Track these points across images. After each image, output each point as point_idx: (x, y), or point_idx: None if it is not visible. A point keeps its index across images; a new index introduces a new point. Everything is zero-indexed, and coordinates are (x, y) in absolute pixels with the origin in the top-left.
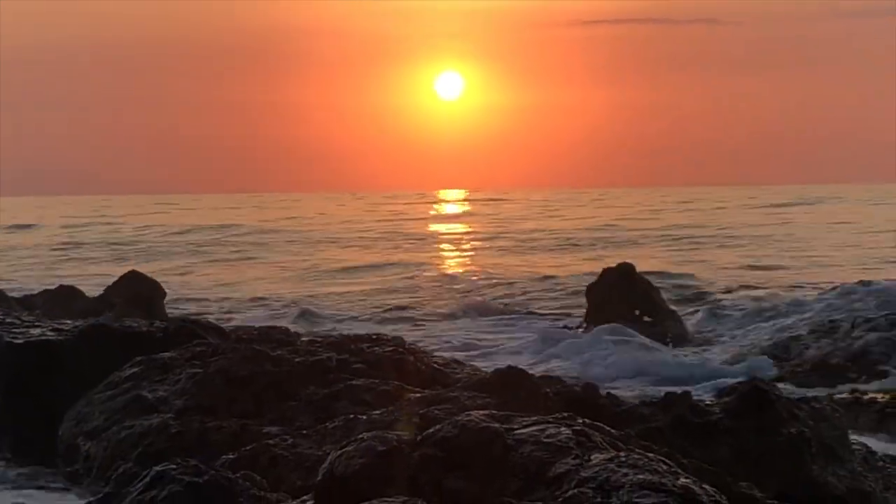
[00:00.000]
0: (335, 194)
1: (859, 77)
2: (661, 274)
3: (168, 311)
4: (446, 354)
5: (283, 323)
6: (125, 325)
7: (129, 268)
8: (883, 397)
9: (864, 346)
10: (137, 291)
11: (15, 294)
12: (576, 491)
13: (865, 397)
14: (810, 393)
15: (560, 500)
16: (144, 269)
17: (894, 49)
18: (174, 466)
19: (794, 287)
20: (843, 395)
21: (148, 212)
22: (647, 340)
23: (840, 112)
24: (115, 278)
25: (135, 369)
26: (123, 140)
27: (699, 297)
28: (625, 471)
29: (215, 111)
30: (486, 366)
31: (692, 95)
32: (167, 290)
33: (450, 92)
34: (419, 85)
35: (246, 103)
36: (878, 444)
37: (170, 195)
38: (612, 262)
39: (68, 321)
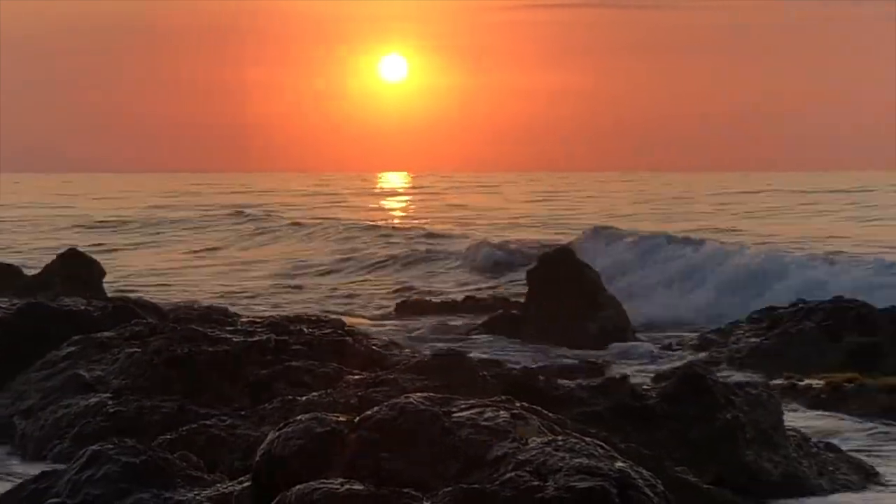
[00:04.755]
0: (289, 174)
1: (809, 62)
2: None
3: None
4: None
5: None
6: (63, 304)
7: None
8: (818, 384)
9: (801, 333)
10: (76, 270)
11: None
12: (513, 474)
13: (801, 384)
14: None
15: (497, 482)
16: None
17: (846, 35)
18: (111, 446)
19: None
20: (779, 382)
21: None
22: None
23: (787, 98)
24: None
25: (72, 348)
26: (78, 120)
27: None
28: (561, 454)
29: (158, 90)
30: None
31: (640, 80)
32: None
33: (394, 74)
34: (364, 67)
35: (191, 83)
36: (812, 431)
37: (122, 174)
38: None
39: (5, 299)
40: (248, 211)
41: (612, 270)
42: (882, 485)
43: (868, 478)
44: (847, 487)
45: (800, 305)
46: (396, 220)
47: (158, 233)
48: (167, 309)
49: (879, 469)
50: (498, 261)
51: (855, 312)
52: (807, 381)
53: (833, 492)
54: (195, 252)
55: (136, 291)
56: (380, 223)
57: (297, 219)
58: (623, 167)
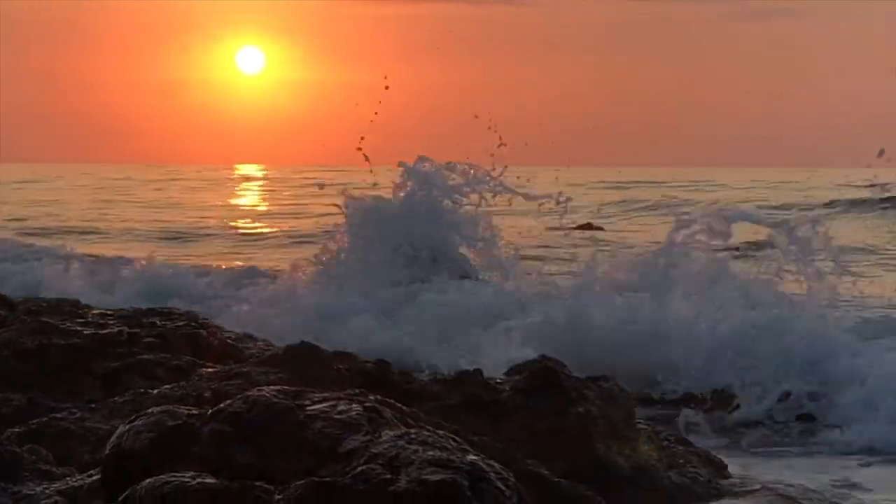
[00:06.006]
0: (140, 166)
1: (657, 61)
2: None
3: None
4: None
5: None
6: None
7: None
8: None
9: None
10: None
11: None
12: (365, 467)
13: None
14: None
15: (350, 476)
16: None
17: (696, 34)
18: None
19: None
20: None
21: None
22: None
23: (634, 97)
24: None
25: None
26: None
27: None
28: (414, 447)
29: (10, 79)
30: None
31: (493, 77)
32: None
33: (251, 67)
34: (220, 59)
35: (43, 72)
36: (662, 424)
37: None
38: None
39: None
40: None
41: None
42: (731, 479)
43: (718, 472)
44: (696, 481)
45: None
46: None
47: None
48: (17, 300)
49: (728, 461)
50: None
51: None
52: None
53: (682, 485)
54: None
55: None
56: None
57: None
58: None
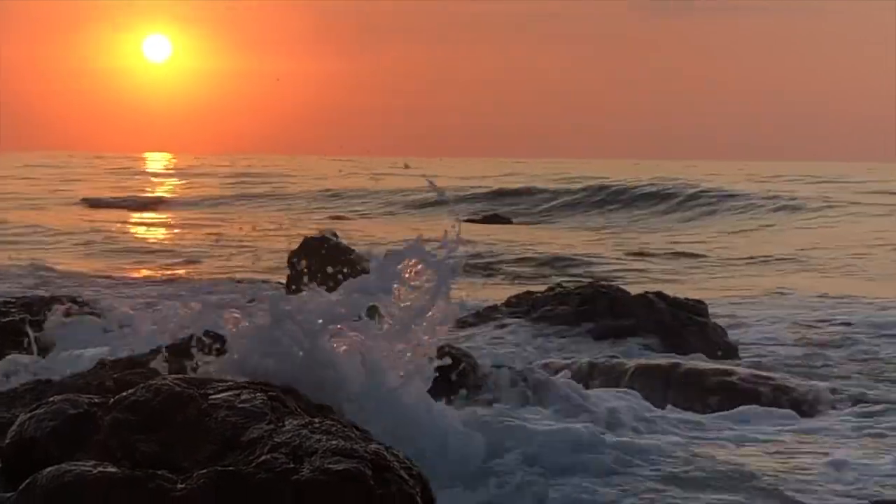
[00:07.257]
0: (50, 153)
1: (559, 49)
2: None
3: None
4: None
5: None
6: None
7: None
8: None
9: (558, 316)
10: None
11: None
12: (268, 456)
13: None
14: None
15: (253, 464)
16: None
17: (597, 23)
18: None
19: None
20: (539, 363)
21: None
22: None
23: (546, 86)
24: None
25: None
26: None
27: None
28: (318, 437)
29: None
30: None
31: (407, 66)
32: None
33: (158, 55)
34: (126, 46)
35: None
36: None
37: None
38: None
39: None
40: None
41: None
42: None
43: None
44: None
45: (557, 290)
46: None
47: None
48: None
49: None
50: None
51: (609, 296)
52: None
53: None
54: None
55: None
56: None
57: None
58: (390, 153)
